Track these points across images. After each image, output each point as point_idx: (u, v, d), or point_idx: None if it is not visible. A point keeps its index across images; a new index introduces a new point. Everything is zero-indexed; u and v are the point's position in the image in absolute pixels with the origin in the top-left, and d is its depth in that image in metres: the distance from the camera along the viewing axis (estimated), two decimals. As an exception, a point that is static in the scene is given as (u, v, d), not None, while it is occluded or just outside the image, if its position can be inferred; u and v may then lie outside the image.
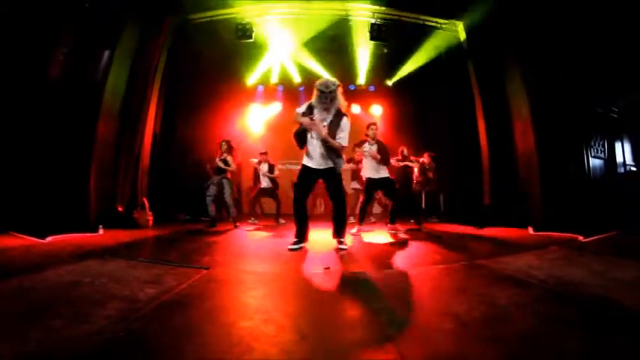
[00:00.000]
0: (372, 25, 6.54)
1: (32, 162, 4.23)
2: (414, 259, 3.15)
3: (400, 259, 3.14)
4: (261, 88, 9.05)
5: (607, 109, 5.81)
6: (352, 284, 2.17)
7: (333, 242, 3.58)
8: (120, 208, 5.24)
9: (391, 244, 4.07)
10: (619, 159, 6.01)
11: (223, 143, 5.63)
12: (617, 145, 5.99)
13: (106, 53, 4.72)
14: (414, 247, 3.83)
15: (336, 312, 1.66)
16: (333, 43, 7.31)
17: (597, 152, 5.70)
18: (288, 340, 1.25)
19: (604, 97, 5.64)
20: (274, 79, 8.76)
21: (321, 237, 4.21)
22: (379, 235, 4.75)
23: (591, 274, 2.20)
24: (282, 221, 6.40)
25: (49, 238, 3.60)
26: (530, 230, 4.82)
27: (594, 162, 5.62)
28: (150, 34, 5.56)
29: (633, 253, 3.01)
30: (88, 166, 4.76)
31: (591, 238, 3.77)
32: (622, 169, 6.00)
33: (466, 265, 2.66)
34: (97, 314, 1.49)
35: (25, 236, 3.62)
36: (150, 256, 3.07)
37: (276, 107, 9.34)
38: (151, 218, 5.42)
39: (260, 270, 2.66)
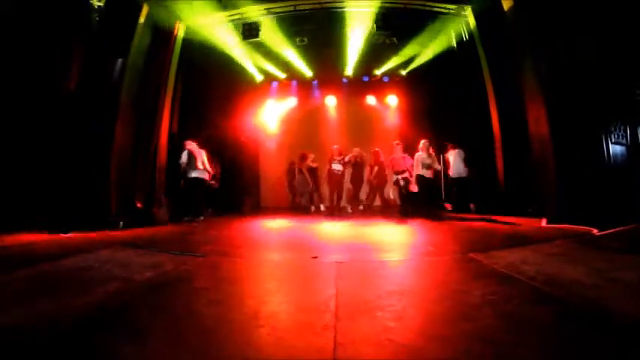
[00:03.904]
0: (378, 15, 6.63)
1: (57, 164, 4.75)
2: (408, 250, 3.30)
3: (393, 249, 3.31)
4: (275, 84, 9.36)
5: (629, 91, 5.55)
6: (331, 272, 2.35)
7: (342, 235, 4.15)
8: (139, 205, 5.71)
9: (393, 233, 4.26)
10: None
11: None
12: (641, 130, 5.72)
13: (120, 61, 5.20)
14: (415, 236, 4.03)
15: (299, 297, 1.88)
16: (344, 36, 7.47)
17: (618, 138, 5.47)
18: (241, 319, 1.49)
19: (626, 79, 5.39)
20: (287, 74, 9.02)
21: (332, 228, 4.58)
22: (384, 224, 5.04)
23: (590, 273, 2.05)
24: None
25: (71, 233, 4.08)
26: (544, 222, 4.71)
27: (615, 148, 5.36)
28: (160, 39, 6.01)
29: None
30: (108, 165, 5.23)
31: (606, 232, 3.56)
32: None
33: (457, 258, 2.71)
34: (99, 291, 1.86)
35: (50, 232, 4.09)
36: (158, 246, 3.45)
37: (291, 102, 9.66)
38: (167, 215, 5.86)
39: (252, 257, 2.99)
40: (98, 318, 1.51)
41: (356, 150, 7.49)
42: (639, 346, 1.19)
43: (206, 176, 6.26)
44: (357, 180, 7.56)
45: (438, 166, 6.40)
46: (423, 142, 6.17)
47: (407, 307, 1.64)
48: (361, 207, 7.67)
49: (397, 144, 6.84)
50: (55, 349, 1.23)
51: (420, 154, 6.09)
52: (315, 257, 2.80)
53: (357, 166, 7.47)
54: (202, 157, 6.24)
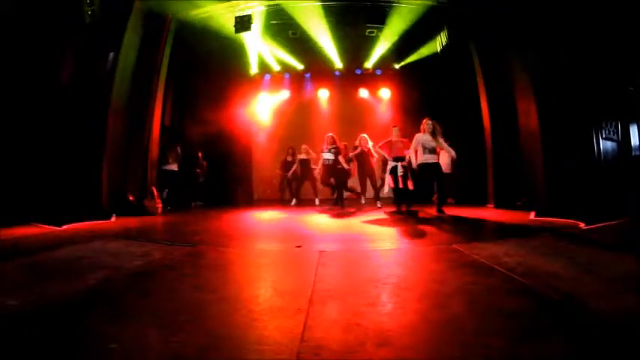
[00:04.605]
0: (370, 7, 6.66)
1: (50, 158, 4.85)
2: (392, 240, 3.39)
3: (377, 240, 3.41)
4: (267, 77, 9.40)
5: (622, 87, 5.60)
6: (313, 260, 2.45)
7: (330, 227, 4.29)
8: (131, 197, 5.81)
9: (381, 224, 4.39)
10: (634, 142, 5.80)
11: None
12: (633, 127, 5.79)
13: (111, 55, 5.30)
14: (402, 228, 4.11)
15: (278, 284, 1.98)
16: (335, 29, 7.50)
17: (609, 134, 5.52)
18: (220, 303, 1.60)
19: (618, 75, 5.44)
20: (280, 67, 9.06)
21: (323, 220, 4.78)
22: (374, 215, 5.19)
23: (571, 266, 2.08)
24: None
25: (64, 226, 4.17)
26: (532, 215, 4.78)
27: (606, 144, 5.39)
28: (152, 33, 6.08)
29: (635, 243, 2.86)
30: (101, 159, 5.36)
31: (593, 226, 3.65)
32: (638, 152, 5.79)
33: (441, 248, 2.78)
34: (89, 277, 1.98)
35: (44, 225, 4.18)
36: (148, 237, 3.57)
37: (284, 94, 9.72)
38: (160, 206, 6.00)
39: (239, 247, 3.11)
40: (88, 302, 1.62)
41: (362, 137, 6.75)
42: (608, 341, 1.20)
43: (175, 168, 7.02)
44: (362, 171, 6.86)
45: (452, 152, 5.34)
46: (426, 121, 5.27)
47: (381, 294, 1.72)
48: (363, 200, 7.07)
49: (394, 126, 6.27)
50: (48, 329, 1.34)
51: (422, 135, 5.21)
52: (299, 246, 2.90)
53: (362, 155, 6.70)
54: (177, 151, 7.05)
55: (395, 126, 6.27)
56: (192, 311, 1.49)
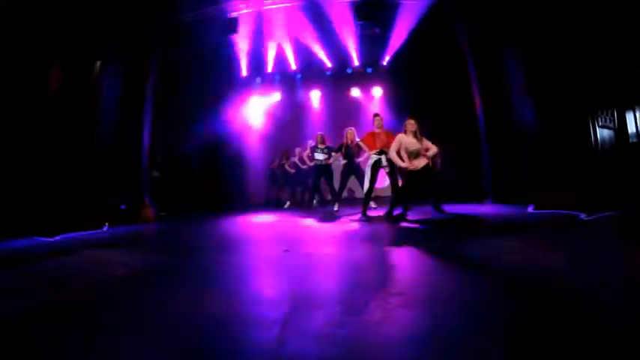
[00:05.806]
0: (358, 4, 6.59)
1: (43, 169, 4.79)
2: (384, 242, 3.31)
3: (370, 242, 3.36)
4: (258, 79, 9.38)
5: (615, 71, 5.52)
6: (300, 265, 2.46)
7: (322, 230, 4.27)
8: (124, 206, 5.75)
9: (373, 226, 4.35)
10: (631, 129, 5.72)
11: None
12: (629, 114, 5.72)
13: (99, 62, 5.29)
14: (395, 228, 4.06)
15: (260, 291, 1.97)
16: (324, 28, 7.44)
17: (606, 122, 5.48)
18: (198, 313, 1.58)
19: (611, 57, 5.35)
20: (270, 69, 9.01)
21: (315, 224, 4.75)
22: (367, 217, 5.05)
23: (574, 261, 2.00)
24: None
25: (57, 237, 4.23)
26: (531, 208, 4.75)
27: (602, 132, 5.23)
28: (138, 40, 6.06)
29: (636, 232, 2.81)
30: (93, 170, 5.34)
31: (594, 216, 3.60)
32: (635, 140, 5.72)
33: (434, 248, 2.72)
34: (75, 287, 2.07)
35: (38, 237, 4.21)
36: (138, 246, 3.61)
37: (275, 96, 9.69)
38: (152, 214, 5.89)
39: (227, 252, 3.10)
40: (67, 314, 1.65)
41: (350, 130, 6.01)
42: (612, 345, 1.14)
43: (155, 174, 7.08)
44: (346, 170, 6.06)
45: (434, 148, 4.79)
46: (409, 121, 4.76)
47: (369, 300, 1.63)
48: (336, 207, 6.18)
49: (376, 115, 5.62)
50: (33, 336, 1.39)
51: (405, 137, 4.69)
52: (287, 250, 2.84)
53: (350, 151, 5.96)
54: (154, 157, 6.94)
55: (377, 114, 5.62)
56: (168, 320, 1.49)
